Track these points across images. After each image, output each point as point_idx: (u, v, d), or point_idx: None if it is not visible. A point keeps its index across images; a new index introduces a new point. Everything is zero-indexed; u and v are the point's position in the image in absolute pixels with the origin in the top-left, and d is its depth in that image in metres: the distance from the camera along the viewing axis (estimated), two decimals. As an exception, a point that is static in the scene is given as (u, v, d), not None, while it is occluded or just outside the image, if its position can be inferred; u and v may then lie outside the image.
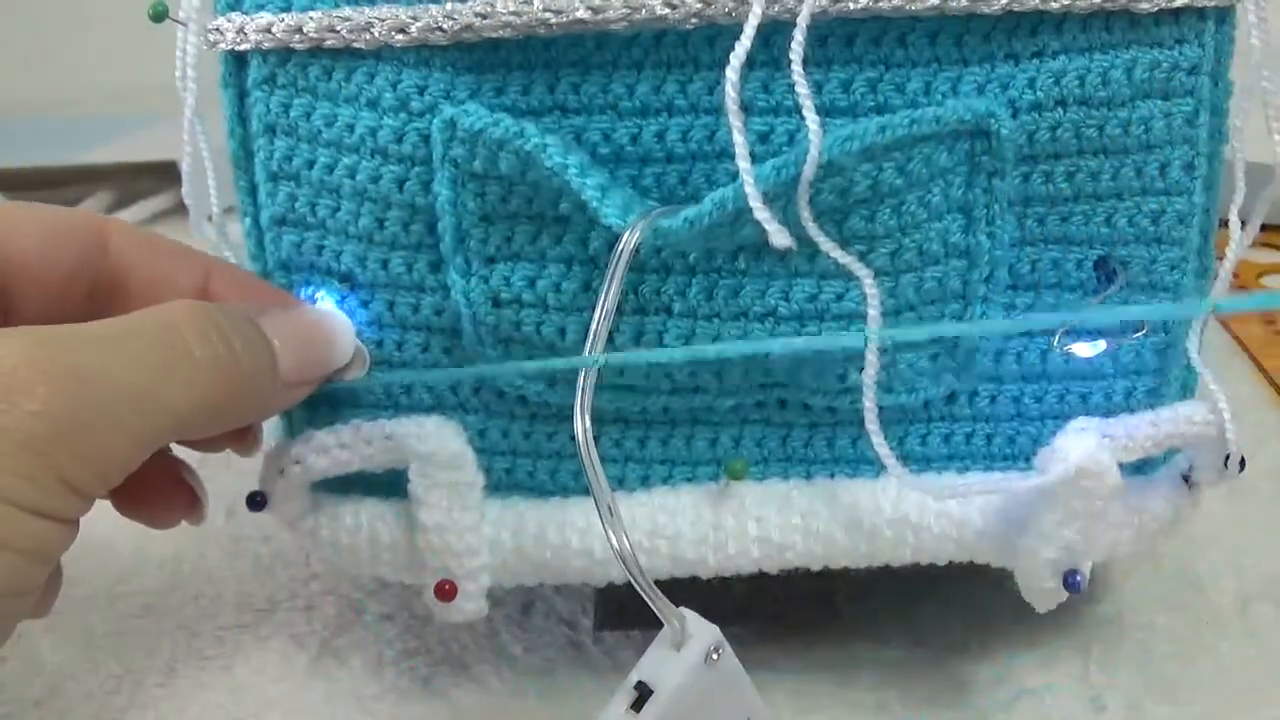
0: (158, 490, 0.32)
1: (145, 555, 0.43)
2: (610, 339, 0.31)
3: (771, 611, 0.35)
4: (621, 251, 0.28)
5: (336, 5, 0.30)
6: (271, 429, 0.36)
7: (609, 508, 0.27)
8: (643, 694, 0.27)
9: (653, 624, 0.29)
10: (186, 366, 0.27)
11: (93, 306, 0.30)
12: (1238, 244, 0.31)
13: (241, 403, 0.28)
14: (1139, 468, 0.34)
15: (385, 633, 0.39)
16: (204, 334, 0.27)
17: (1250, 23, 0.29)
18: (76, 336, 0.26)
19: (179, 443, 0.31)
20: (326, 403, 0.34)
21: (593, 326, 0.28)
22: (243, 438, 0.33)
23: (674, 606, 0.28)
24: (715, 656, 0.28)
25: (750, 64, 0.29)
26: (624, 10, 0.29)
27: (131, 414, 0.26)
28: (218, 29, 0.31)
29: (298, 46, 0.30)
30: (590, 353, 0.28)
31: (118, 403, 0.25)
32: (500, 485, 0.34)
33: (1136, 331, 0.32)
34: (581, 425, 0.27)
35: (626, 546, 0.27)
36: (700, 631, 0.28)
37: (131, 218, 0.73)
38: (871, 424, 0.29)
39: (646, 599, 0.27)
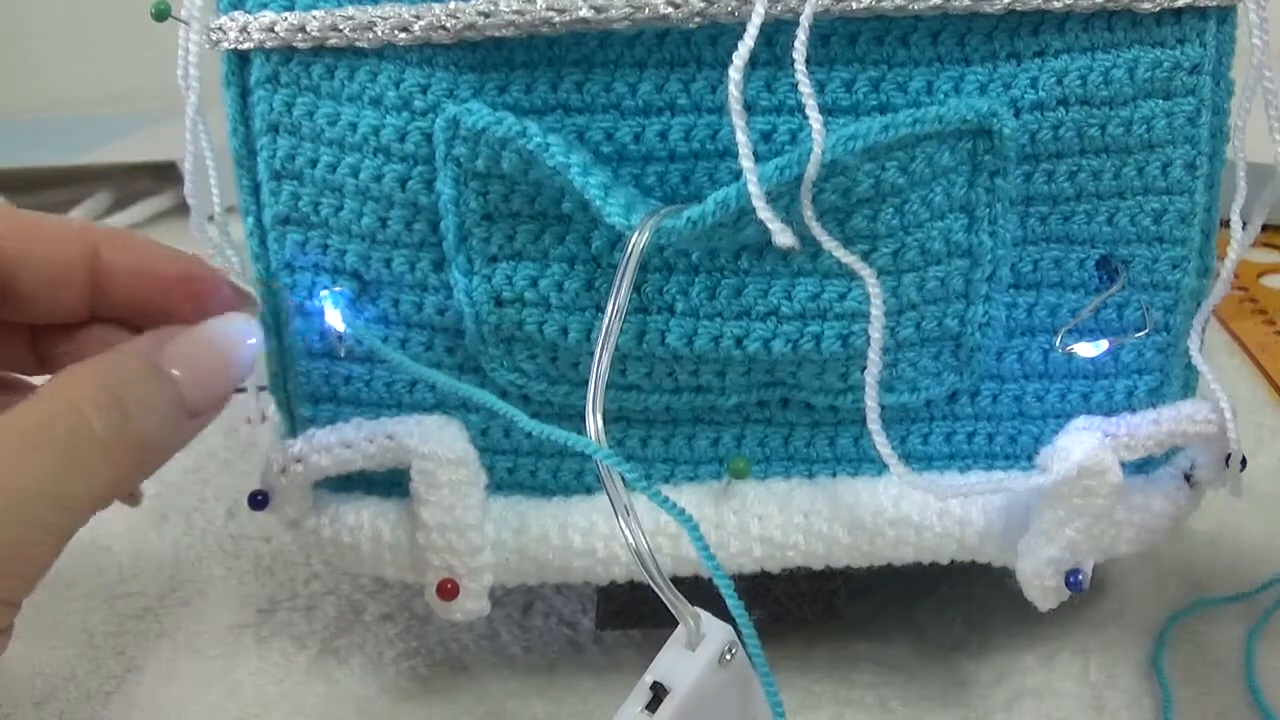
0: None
1: (145, 556, 0.43)
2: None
3: (772, 611, 0.35)
4: (632, 251, 0.28)
5: (340, 4, 0.30)
6: (273, 429, 0.36)
7: (626, 507, 0.27)
8: (658, 694, 0.27)
9: (654, 623, 0.29)
10: (93, 450, 0.27)
11: None
12: (1239, 244, 0.31)
13: (150, 461, 0.29)
14: (1140, 467, 0.34)
15: (385, 633, 0.39)
16: (105, 410, 0.27)
17: (1252, 22, 0.29)
18: None
19: None
20: (329, 401, 0.34)
21: (604, 325, 0.28)
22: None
23: (690, 606, 0.28)
24: (729, 656, 0.28)
25: (753, 63, 0.29)
26: (627, 9, 0.29)
27: (48, 512, 0.26)
28: (220, 28, 0.31)
29: (301, 45, 0.30)
30: (601, 350, 0.28)
31: (33, 506, 0.26)
32: (502, 484, 0.34)
33: (1139, 331, 0.32)
34: (594, 424, 0.27)
35: (644, 545, 0.27)
36: (715, 631, 0.28)
37: (131, 218, 0.73)
38: (874, 423, 0.29)
39: (664, 598, 0.27)
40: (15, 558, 0.26)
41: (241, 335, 0.30)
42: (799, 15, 0.28)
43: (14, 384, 0.34)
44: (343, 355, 0.33)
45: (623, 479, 0.27)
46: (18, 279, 0.31)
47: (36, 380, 0.33)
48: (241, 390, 0.33)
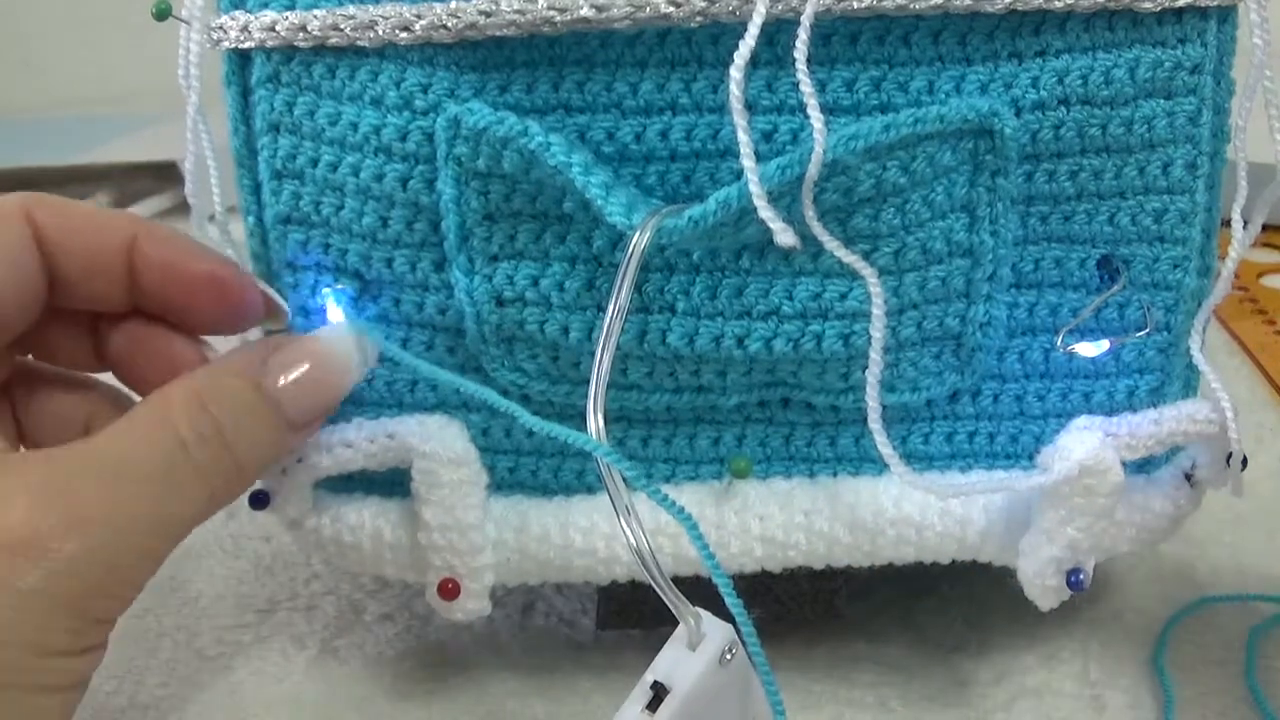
0: (157, 365, 0.33)
1: (145, 555, 0.43)
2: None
3: (772, 610, 0.35)
4: (633, 251, 0.28)
5: (340, 3, 0.30)
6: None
7: (627, 507, 0.27)
8: (658, 694, 0.27)
9: (654, 623, 0.29)
10: (190, 478, 0.28)
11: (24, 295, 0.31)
12: (1240, 243, 0.31)
13: (247, 482, 0.30)
14: (1141, 466, 0.34)
15: (385, 633, 0.39)
16: (203, 439, 0.28)
17: (1252, 22, 0.29)
18: (86, 469, 0.27)
19: None
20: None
21: (605, 324, 0.28)
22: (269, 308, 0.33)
23: (691, 606, 0.28)
24: (729, 656, 0.28)
25: (754, 62, 0.29)
26: (628, 9, 0.29)
27: (144, 538, 0.27)
28: (221, 27, 0.31)
29: (302, 44, 0.30)
30: (602, 349, 0.28)
31: (130, 534, 0.27)
32: (503, 484, 0.34)
33: (1140, 330, 0.32)
34: (595, 424, 0.27)
35: (645, 545, 0.27)
36: (715, 631, 0.28)
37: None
38: (875, 423, 0.29)
39: (665, 598, 0.27)
40: (112, 581, 0.27)
41: (349, 346, 0.31)
42: (800, 15, 0.28)
43: (81, 383, 0.34)
44: None
45: (623, 478, 0.27)
46: (60, 265, 0.31)
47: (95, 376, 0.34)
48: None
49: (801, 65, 0.27)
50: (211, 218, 0.34)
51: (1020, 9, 0.29)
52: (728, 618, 0.28)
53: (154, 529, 0.27)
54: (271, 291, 0.33)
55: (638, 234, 0.28)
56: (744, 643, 0.28)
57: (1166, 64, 0.30)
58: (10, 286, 0.30)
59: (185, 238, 0.32)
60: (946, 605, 0.38)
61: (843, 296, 0.30)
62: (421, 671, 0.37)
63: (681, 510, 0.27)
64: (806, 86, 0.27)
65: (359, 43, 0.30)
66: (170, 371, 0.31)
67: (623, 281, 0.28)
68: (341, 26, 0.30)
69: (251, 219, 0.33)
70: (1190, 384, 0.34)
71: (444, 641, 0.38)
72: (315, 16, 0.30)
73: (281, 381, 0.29)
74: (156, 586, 0.41)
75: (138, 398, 0.32)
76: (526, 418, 0.29)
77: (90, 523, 0.26)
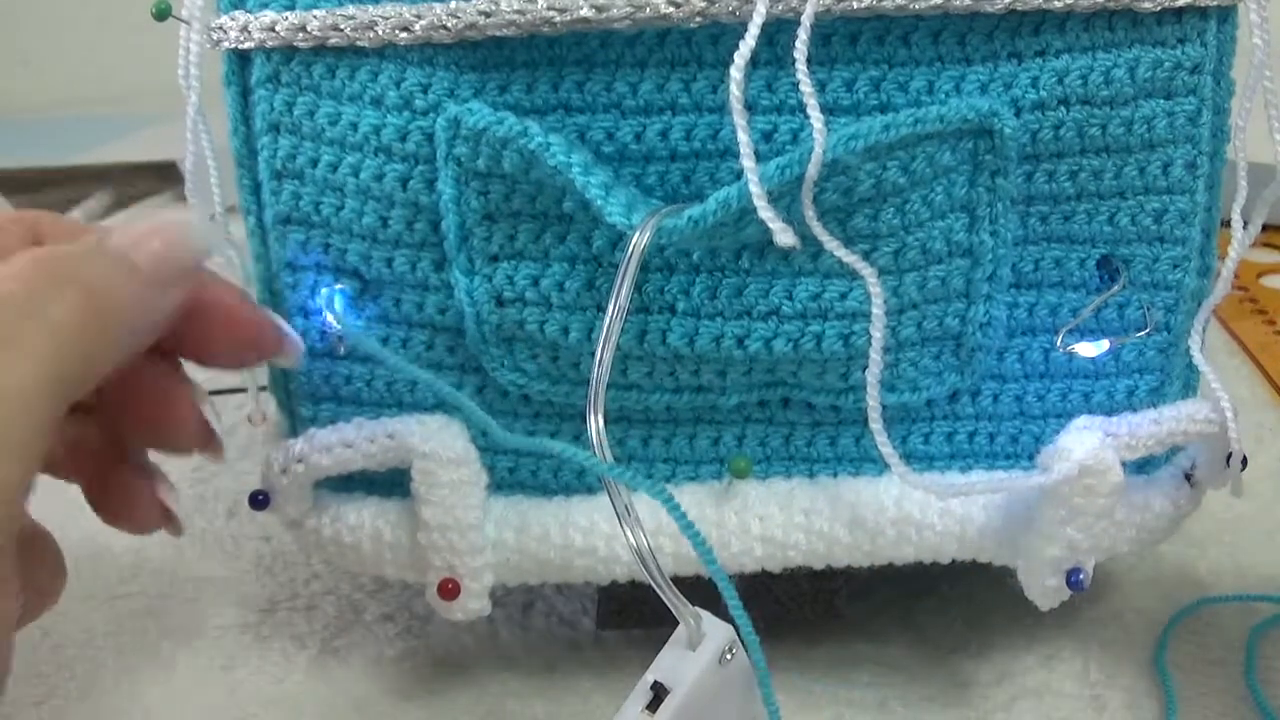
0: (133, 502, 0.30)
1: (145, 556, 0.43)
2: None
3: (773, 610, 0.35)
4: (633, 251, 0.28)
5: (340, 3, 0.30)
6: (273, 429, 0.36)
7: (626, 507, 0.27)
8: (658, 694, 0.27)
9: (654, 623, 0.29)
10: (30, 323, 0.23)
11: None
12: (1239, 243, 0.31)
13: (111, 325, 0.25)
14: (1141, 466, 0.34)
15: (385, 633, 0.39)
16: (35, 279, 0.24)
17: (1252, 22, 0.29)
18: None
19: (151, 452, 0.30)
20: (330, 400, 0.34)
21: (605, 324, 0.28)
22: (207, 441, 0.30)
23: (691, 606, 0.28)
24: (729, 656, 0.28)
25: (754, 62, 0.29)
26: (628, 9, 0.29)
27: (12, 410, 0.23)
28: (221, 27, 0.31)
29: (301, 45, 0.30)
30: (602, 349, 0.28)
31: None
32: (503, 484, 0.34)
33: (1139, 330, 0.32)
34: (595, 423, 0.27)
35: (645, 545, 0.27)
36: (715, 631, 0.28)
37: (131, 218, 0.73)
38: (875, 423, 0.29)
39: (665, 598, 0.27)
40: None
41: (185, 215, 0.28)
42: (800, 15, 0.28)
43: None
44: (342, 354, 0.33)
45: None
46: None
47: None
48: (241, 390, 0.33)
49: (801, 65, 0.27)
50: (212, 217, 0.34)
51: (1020, 9, 0.29)
52: (728, 618, 0.28)
53: (12, 399, 0.23)
54: (285, 325, 0.32)
55: (638, 234, 0.28)
56: (744, 643, 0.28)
57: (1166, 64, 0.30)
58: None
59: (86, 224, 0.30)
60: (946, 605, 0.38)
61: (843, 296, 0.30)
62: (421, 671, 0.37)
63: (683, 515, 0.27)
64: (806, 86, 0.27)
65: (359, 43, 0.30)
66: (163, 404, 0.29)
67: (623, 281, 0.28)
68: (341, 27, 0.30)
69: (251, 219, 0.33)
70: (1190, 384, 0.34)
71: (444, 641, 0.38)
72: (315, 17, 0.30)
73: (123, 244, 0.26)
74: (157, 587, 0.41)
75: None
76: (503, 435, 0.29)
77: None
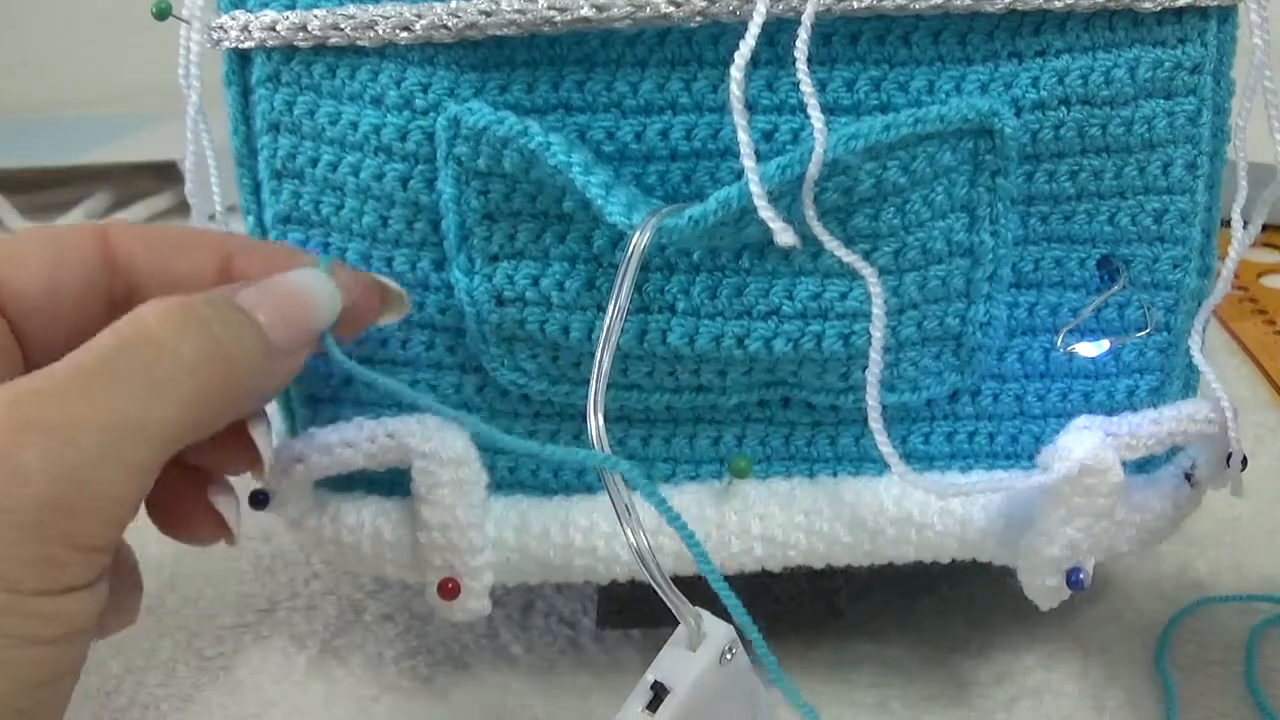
0: (192, 514, 0.31)
1: (145, 556, 0.42)
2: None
3: (772, 610, 0.35)
4: (633, 250, 0.28)
5: (341, 3, 0.30)
6: (274, 428, 0.36)
7: (627, 507, 0.27)
8: (658, 693, 0.27)
9: (654, 623, 0.29)
10: (174, 374, 0.25)
11: (114, 320, 0.28)
12: (1239, 243, 0.31)
13: (239, 389, 0.27)
14: (1141, 466, 0.34)
15: (385, 633, 0.39)
16: (182, 332, 0.25)
17: (1252, 22, 0.29)
18: (51, 383, 0.24)
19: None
20: (329, 400, 0.34)
21: (605, 324, 0.28)
22: (250, 459, 0.31)
23: (691, 606, 0.28)
24: (729, 656, 0.28)
25: (755, 62, 0.29)
26: (628, 8, 0.29)
27: (129, 448, 0.24)
28: (221, 27, 0.31)
29: (302, 44, 0.30)
30: (602, 349, 0.28)
31: (111, 443, 0.23)
32: (503, 483, 0.34)
33: (1140, 330, 0.32)
34: (595, 423, 0.27)
35: (646, 545, 0.27)
36: (715, 631, 0.28)
37: (132, 218, 0.73)
38: (875, 422, 0.29)
39: (665, 598, 0.27)
40: (86, 497, 0.23)
41: (317, 280, 0.29)
42: (801, 14, 0.28)
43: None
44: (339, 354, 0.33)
45: (623, 479, 0.27)
46: (144, 291, 0.29)
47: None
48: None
49: (802, 65, 0.27)
50: (212, 217, 0.34)
51: (1020, 9, 0.29)
52: (728, 618, 0.28)
53: (135, 436, 0.24)
54: (387, 280, 0.32)
55: (638, 234, 0.28)
56: (745, 644, 0.28)
57: (1166, 64, 0.30)
58: (73, 312, 0.28)
59: (276, 245, 0.31)
60: (946, 605, 0.38)
61: (843, 296, 0.30)
62: (421, 671, 0.37)
63: (682, 523, 0.27)
64: (807, 86, 0.27)
65: (359, 42, 0.30)
66: (240, 433, 0.29)
67: (623, 281, 0.28)
68: (342, 26, 0.30)
69: (251, 219, 0.33)
70: (1190, 384, 0.34)
71: (444, 641, 0.38)
72: (315, 16, 0.30)
73: (258, 310, 0.27)
74: (157, 587, 0.41)
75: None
76: (506, 439, 0.29)
77: (55, 430, 0.23)
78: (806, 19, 0.27)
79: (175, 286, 0.29)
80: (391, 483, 0.34)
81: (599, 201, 0.29)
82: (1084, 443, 0.31)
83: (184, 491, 0.30)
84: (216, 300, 0.27)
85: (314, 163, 0.32)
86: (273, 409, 0.36)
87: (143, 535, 0.44)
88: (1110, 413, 0.33)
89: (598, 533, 0.33)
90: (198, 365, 0.25)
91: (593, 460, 0.27)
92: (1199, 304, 0.32)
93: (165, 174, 0.75)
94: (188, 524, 0.31)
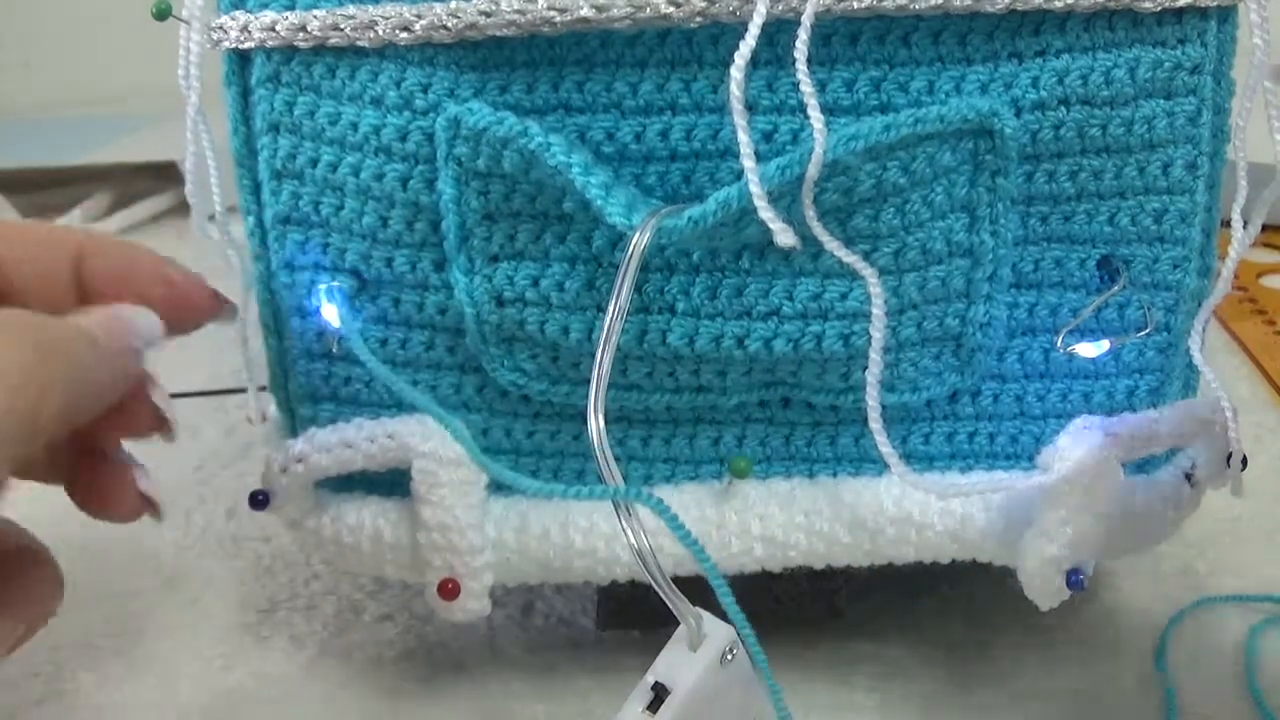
0: (112, 493, 0.31)
1: (145, 556, 0.43)
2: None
3: (772, 610, 0.35)
4: (633, 251, 0.28)
5: (341, 3, 0.30)
6: (273, 429, 0.36)
7: (626, 507, 0.27)
8: (659, 694, 0.27)
9: (654, 624, 0.29)
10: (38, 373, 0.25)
11: None
12: (1239, 243, 0.31)
13: (66, 373, 0.26)
14: (1141, 466, 0.34)
15: (385, 633, 0.39)
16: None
17: (1252, 22, 0.29)
18: None
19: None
20: (329, 401, 0.34)
21: (605, 324, 0.28)
22: (161, 424, 0.31)
23: (692, 606, 0.28)
24: (730, 656, 0.28)
25: (755, 63, 0.29)
26: (628, 9, 0.29)
27: None
28: (221, 27, 0.31)
29: (302, 45, 0.30)
30: (602, 350, 0.28)
31: None
32: (503, 484, 0.34)
33: (1140, 331, 0.32)
34: (595, 424, 0.27)
35: (646, 545, 0.27)
36: (716, 632, 0.28)
37: (132, 218, 0.73)
38: (875, 423, 0.29)
39: (665, 599, 0.27)
40: None
41: (138, 311, 0.29)
42: (800, 15, 0.28)
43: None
44: (335, 351, 0.33)
45: (623, 477, 0.27)
46: (10, 280, 0.30)
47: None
48: (241, 390, 0.33)
49: (802, 65, 0.27)
50: (211, 218, 0.34)
51: (1020, 9, 0.29)
52: (720, 618, 0.28)
53: None
54: (218, 289, 0.32)
55: (638, 234, 0.28)
56: (743, 643, 0.28)
57: (1166, 64, 0.30)
58: None
59: (128, 244, 0.32)
60: (946, 605, 0.38)
61: (843, 297, 0.30)
62: (421, 671, 0.37)
63: (682, 528, 0.27)
64: (807, 87, 0.27)
65: (359, 43, 0.30)
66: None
67: (623, 281, 0.28)
68: (341, 26, 0.30)
69: (251, 219, 0.33)
70: (1190, 384, 0.34)
71: (444, 641, 0.38)
72: (315, 17, 0.30)
73: (92, 324, 0.28)
74: (157, 587, 0.41)
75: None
76: (505, 474, 0.29)
77: None
78: (806, 19, 0.27)
79: (32, 277, 0.30)
80: (391, 483, 0.34)
81: (599, 202, 0.29)
82: (1084, 443, 0.31)
83: (94, 470, 0.31)
84: (69, 326, 0.28)
85: (314, 163, 0.32)
86: (272, 409, 0.36)
87: (143, 536, 0.44)
88: (1110, 413, 0.33)
89: (597, 534, 0.33)
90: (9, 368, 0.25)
91: (596, 495, 0.27)
92: (1199, 304, 0.32)
93: (165, 174, 0.75)
94: (105, 501, 0.31)
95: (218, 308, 0.32)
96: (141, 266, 0.31)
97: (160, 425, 0.31)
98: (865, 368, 0.29)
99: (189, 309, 0.31)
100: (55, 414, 0.26)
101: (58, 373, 0.26)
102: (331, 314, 0.32)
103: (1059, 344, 0.32)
